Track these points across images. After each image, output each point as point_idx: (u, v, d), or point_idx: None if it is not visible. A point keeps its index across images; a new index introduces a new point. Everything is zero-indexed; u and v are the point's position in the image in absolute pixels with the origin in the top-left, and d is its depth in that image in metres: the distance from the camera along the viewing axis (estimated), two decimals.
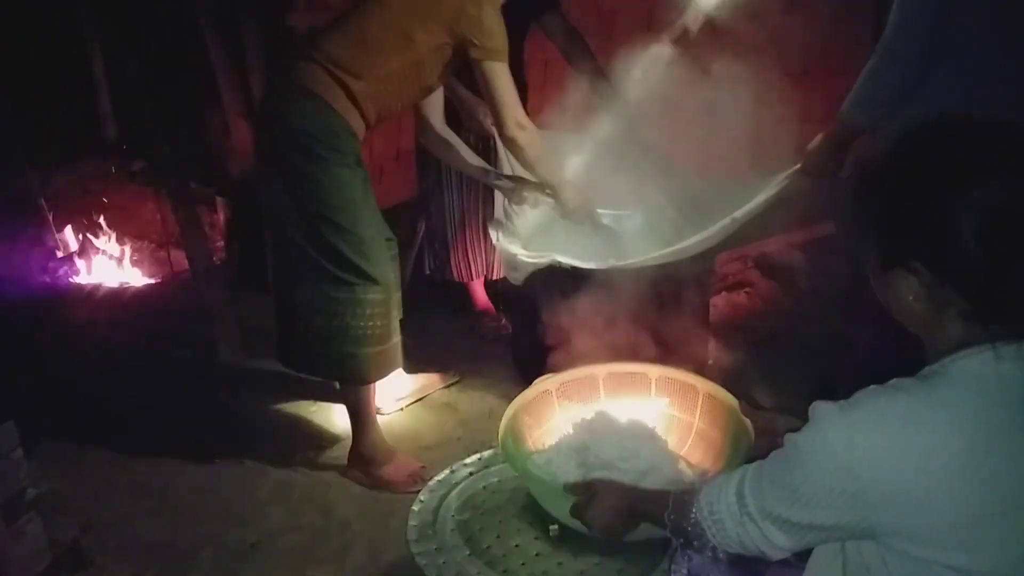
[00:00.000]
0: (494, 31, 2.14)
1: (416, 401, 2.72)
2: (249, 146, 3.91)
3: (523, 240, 2.56)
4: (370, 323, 2.19)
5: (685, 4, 3.54)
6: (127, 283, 3.84)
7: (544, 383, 2.00)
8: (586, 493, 1.47)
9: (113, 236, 4.09)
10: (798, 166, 2.19)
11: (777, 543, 1.05)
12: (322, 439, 2.54)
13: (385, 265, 2.21)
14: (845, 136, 2.06)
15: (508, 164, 2.59)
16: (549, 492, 1.72)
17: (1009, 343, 0.93)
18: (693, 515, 1.15)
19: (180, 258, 3.80)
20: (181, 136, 3.51)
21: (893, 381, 0.97)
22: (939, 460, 0.90)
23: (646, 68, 3.14)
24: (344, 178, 2.11)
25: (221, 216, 3.76)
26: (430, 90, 2.33)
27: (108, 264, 3.97)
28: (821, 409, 0.98)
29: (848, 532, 1.00)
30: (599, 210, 2.49)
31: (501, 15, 2.16)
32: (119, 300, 3.62)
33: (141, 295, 3.69)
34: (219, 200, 3.74)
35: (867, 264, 1.04)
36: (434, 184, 2.94)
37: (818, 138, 2.13)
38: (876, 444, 0.92)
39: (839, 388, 1.02)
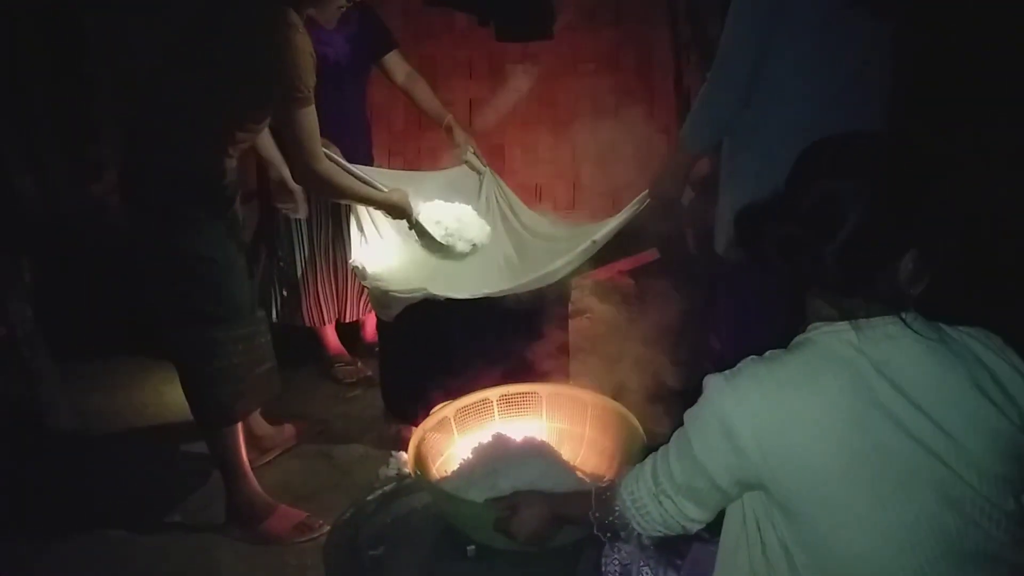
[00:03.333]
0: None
1: (283, 452, 2.63)
2: (38, 203, 3.64)
3: (388, 277, 2.58)
4: (228, 361, 2.15)
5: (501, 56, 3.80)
6: None
7: (442, 411, 2.03)
8: (509, 505, 1.52)
9: None
10: (644, 192, 2.39)
11: (692, 515, 1.16)
12: (192, 501, 2.39)
13: (245, 297, 2.19)
14: (683, 161, 2.23)
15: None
16: (468, 512, 1.75)
17: (862, 318, 1.07)
18: (617, 508, 1.25)
19: None
20: None
21: (769, 352, 1.12)
22: (812, 417, 1.03)
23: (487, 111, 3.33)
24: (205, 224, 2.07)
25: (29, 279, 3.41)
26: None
27: None
28: (710, 380, 1.11)
29: (741, 488, 1.12)
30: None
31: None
32: None
33: None
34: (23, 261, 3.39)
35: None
36: (283, 227, 2.89)
37: (661, 165, 2.31)
38: (755, 406, 1.05)
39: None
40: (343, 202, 2.47)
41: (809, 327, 1.12)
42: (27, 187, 3.75)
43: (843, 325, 1.08)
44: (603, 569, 1.41)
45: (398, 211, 2.41)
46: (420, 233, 2.47)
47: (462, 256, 2.54)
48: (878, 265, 1.06)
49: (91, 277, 3.18)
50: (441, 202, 2.56)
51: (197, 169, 2.05)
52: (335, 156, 2.30)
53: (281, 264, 2.93)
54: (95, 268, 3.17)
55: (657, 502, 1.18)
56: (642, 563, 1.37)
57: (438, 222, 2.49)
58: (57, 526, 2.25)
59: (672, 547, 1.36)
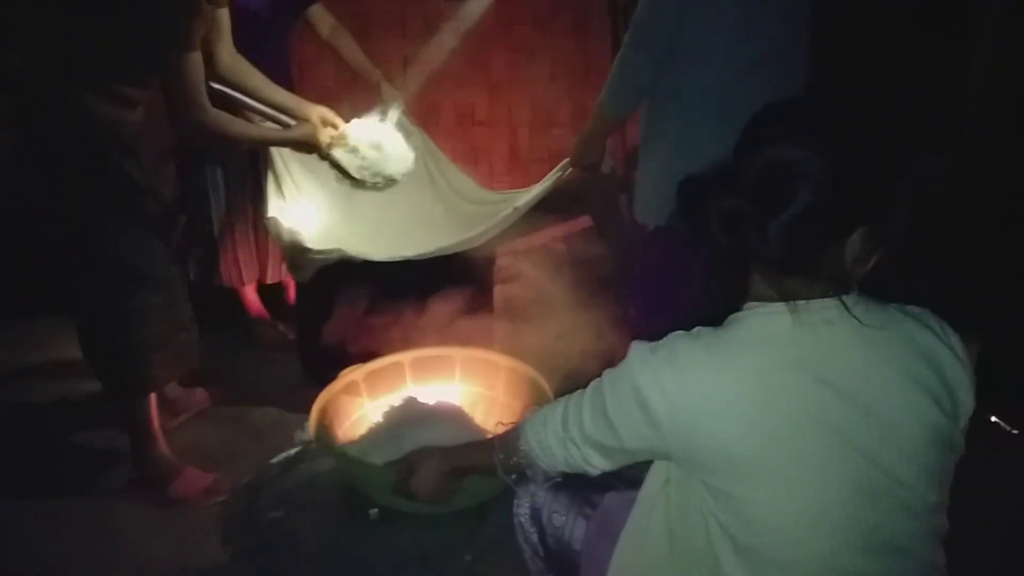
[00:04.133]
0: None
1: (195, 416, 2.57)
2: None
3: (304, 236, 2.51)
4: (143, 331, 2.05)
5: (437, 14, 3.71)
6: None
7: (351, 374, 2.00)
8: (407, 465, 1.50)
9: None
10: (566, 160, 2.36)
11: (597, 464, 1.17)
12: (92, 462, 2.31)
13: (155, 263, 2.07)
14: (603, 127, 2.22)
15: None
16: (368, 474, 1.73)
17: (802, 300, 1.03)
18: (521, 448, 1.24)
19: None
20: None
21: (696, 328, 1.09)
22: (720, 398, 1.01)
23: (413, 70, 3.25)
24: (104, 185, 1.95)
25: None
26: None
27: None
28: (634, 347, 1.10)
29: (652, 455, 1.13)
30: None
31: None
32: None
33: None
34: None
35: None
36: (198, 184, 2.79)
37: (581, 133, 2.29)
38: (669, 380, 1.04)
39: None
40: (244, 147, 2.30)
41: (745, 306, 1.08)
42: None
43: (779, 306, 1.04)
44: (514, 511, 1.41)
45: (305, 147, 2.24)
46: (333, 166, 2.30)
47: (378, 189, 2.40)
48: (825, 243, 1.02)
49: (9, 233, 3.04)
50: (368, 122, 2.38)
51: (87, 125, 1.92)
52: (228, 92, 2.18)
53: (197, 221, 2.83)
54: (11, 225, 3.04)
55: (563, 446, 1.19)
56: (552, 510, 1.37)
57: (355, 150, 2.29)
58: None
59: (584, 497, 1.36)
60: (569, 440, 1.18)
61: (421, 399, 2.00)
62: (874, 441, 1.00)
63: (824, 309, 1.03)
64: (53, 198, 1.97)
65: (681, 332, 1.09)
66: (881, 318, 1.05)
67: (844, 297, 1.03)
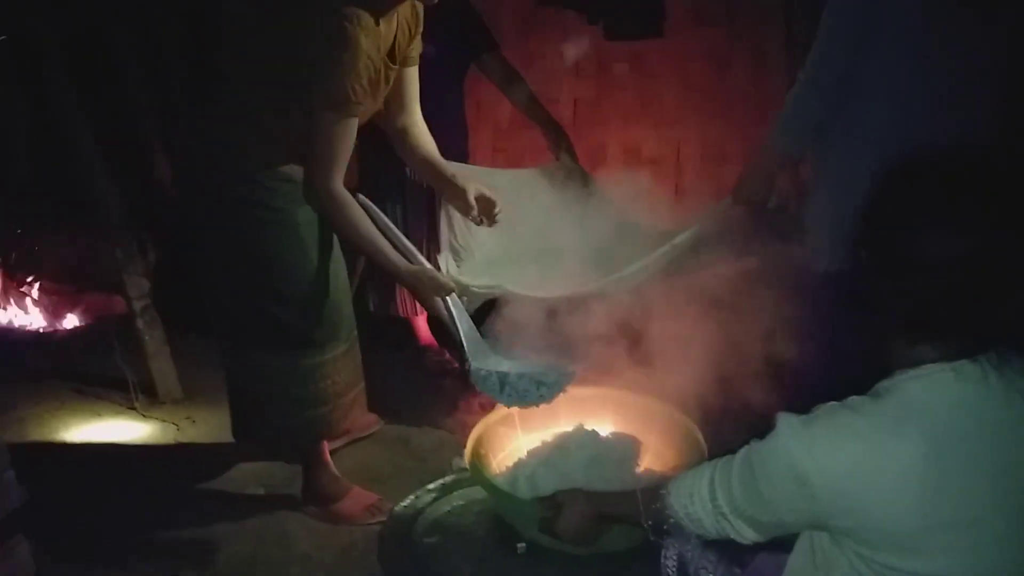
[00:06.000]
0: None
1: (365, 437, 2.72)
2: (171, 185, 3.91)
3: (472, 271, 2.61)
4: (324, 383, 2.15)
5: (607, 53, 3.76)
6: (48, 327, 3.70)
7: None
8: (553, 505, 1.51)
9: (31, 279, 3.93)
10: (730, 197, 2.32)
11: (747, 536, 1.15)
12: (272, 476, 2.51)
13: (330, 324, 2.11)
14: (771, 165, 2.18)
15: None
16: (517, 508, 1.76)
17: (967, 362, 0.99)
18: (667, 514, 1.23)
19: (103, 301, 3.72)
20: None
21: (849, 399, 1.05)
22: (887, 474, 0.97)
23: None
24: (274, 235, 1.99)
25: (152, 257, 3.68)
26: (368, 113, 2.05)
27: (28, 308, 3.81)
28: (784, 420, 1.06)
29: (809, 527, 1.10)
30: None
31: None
32: (42, 345, 3.49)
33: (65, 339, 3.56)
34: (148, 238, 3.67)
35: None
36: (382, 220, 2.96)
37: (747, 168, 2.24)
38: (828, 456, 1.00)
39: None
40: (351, 245, 2.07)
41: (896, 372, 1.04)
42: (162, 168, 4.05)
43: (938, 368, 1.00)
44: (661, 561, 1.39)
45: (419, 296, 2.07)
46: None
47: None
48: (984, 303, 0.97)
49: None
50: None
51: (263, 165, 1.93)
52: (368, 203, 2.10)
53: None
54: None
55: (713, 519, 1.18)
56: (700, 565, 1.35)
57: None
58: (151, 494, 2.42)
59: (734, 555, 1.33)
60: (719, 514, 1.16)
61: (572, 435, 2.01)
62: None
63: (980, 370, 0.98)
64: (226, 232, 2.01)
65: (835, 404, 1.05)
66: None
67: (1004, 353, 0.99)
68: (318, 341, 2.10)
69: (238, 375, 2.19)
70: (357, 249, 2.09)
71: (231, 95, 1.98)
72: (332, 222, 2.00)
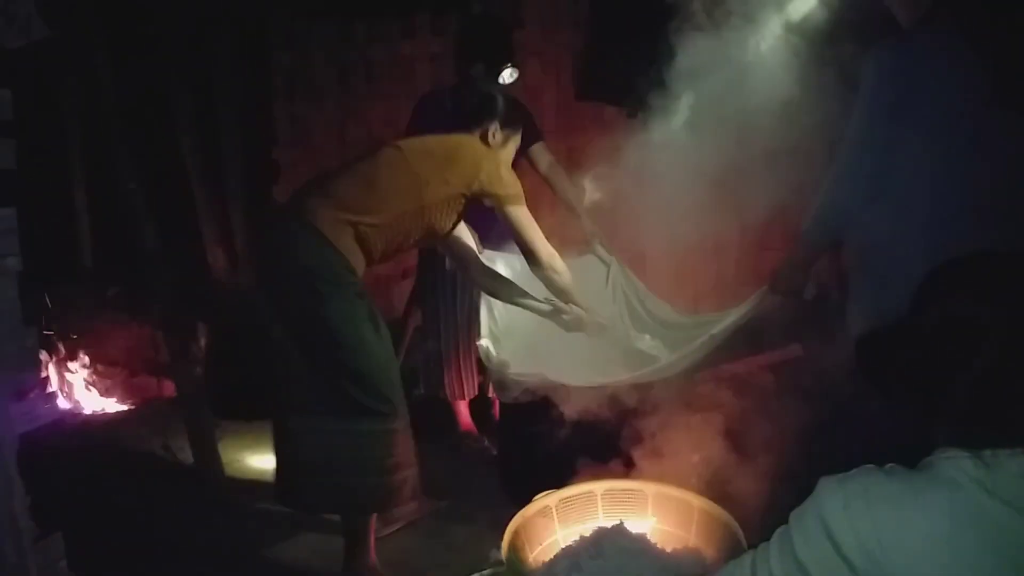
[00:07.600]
0: (511, 180, 2.37)
1: (404, 527, 2.71)
2: (225, 273, 4.06)
3: (509, 359, 2.64)
4: (392, 451, 2.23)
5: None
6: (101, 410, 3.81)
7: (545, 498, 2.04)
8: None
9: (87, 362, 4.06)
10: (766, 286, 2.33)
11: None
12: (310, 565, 2.51)
13: (399, 392, 2.25)
14: (806, 254, 2.21)
15: None
16: None
17: (989, 449, 1.00)
18: None
19: (153, 384, 3.82)
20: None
21: (888, 465, 1.07)
22: (921, 538, 0.98)
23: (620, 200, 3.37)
24: (346, 311, 2.16)
25: (203, 342, 3.80)
26: (438, 233, 2.41)
27: (83, 391, 3.93)
28: (823, 481, 1.08)
29: None
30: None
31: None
32: (93, 427, 3.59)
33: (115, 422, 3.65)
34: (200, 326, 3.79)
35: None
36: (430, 304, 3.05)
37: (783, 258, 2.28)
38: (861, 514, 1.01)
39: None
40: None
41: (936, 451, 1.06)
42: (217, 258, 4.21)
43: (967, 454, 1.02)
44: None
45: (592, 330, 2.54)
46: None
47: None
48: (1011, 398, 1.00)
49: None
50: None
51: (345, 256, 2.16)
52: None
53: (428, 338, 3.07)
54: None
55: None
56: None
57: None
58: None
59: None
60: None
61: (611, 531, 1.99)
62: None
63: (1014, 460, 0.99)
64: (311, 329, 2.17)
65: (872, 466, 1.07)
66: None
67: None
68: (382, 411, 2.19)
69: (293, 437, 2.24)
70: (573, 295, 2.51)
71: (320, 195, 2.20)
72: (564, 276, 2.51)
